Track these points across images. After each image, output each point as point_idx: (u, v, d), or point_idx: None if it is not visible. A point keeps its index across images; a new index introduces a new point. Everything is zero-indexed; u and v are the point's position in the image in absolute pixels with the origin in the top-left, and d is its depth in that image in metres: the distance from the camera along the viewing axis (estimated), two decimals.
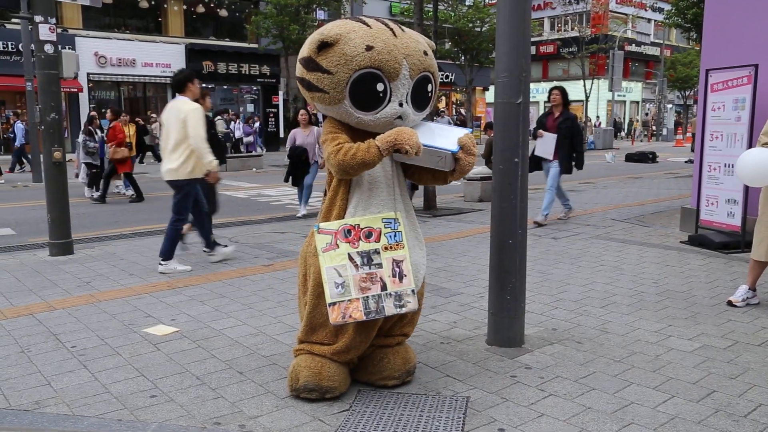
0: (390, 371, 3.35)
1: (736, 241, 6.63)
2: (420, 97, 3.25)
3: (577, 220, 8.89)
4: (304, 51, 3.15)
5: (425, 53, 3.22)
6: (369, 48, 3.02)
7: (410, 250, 3.22)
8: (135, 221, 9.59)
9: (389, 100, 3.13)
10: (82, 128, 13.34)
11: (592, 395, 3.29)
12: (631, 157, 22.30)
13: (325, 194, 3.36)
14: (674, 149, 30.39)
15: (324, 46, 3.05)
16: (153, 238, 7.93)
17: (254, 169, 19.21)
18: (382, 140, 3.03)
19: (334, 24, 3.16)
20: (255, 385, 3.46)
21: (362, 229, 3.12)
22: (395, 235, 3.15)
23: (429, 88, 3.29)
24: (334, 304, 3.06)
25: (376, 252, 3.12)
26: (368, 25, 3.11)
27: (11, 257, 6.84)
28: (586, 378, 3.50)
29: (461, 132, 3.26)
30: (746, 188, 6.50)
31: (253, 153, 22.18)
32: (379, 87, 3.09)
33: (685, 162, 20.65)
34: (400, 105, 3.16)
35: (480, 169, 11.46)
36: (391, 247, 3.14)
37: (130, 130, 12.89)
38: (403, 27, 3.27)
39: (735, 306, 4.74)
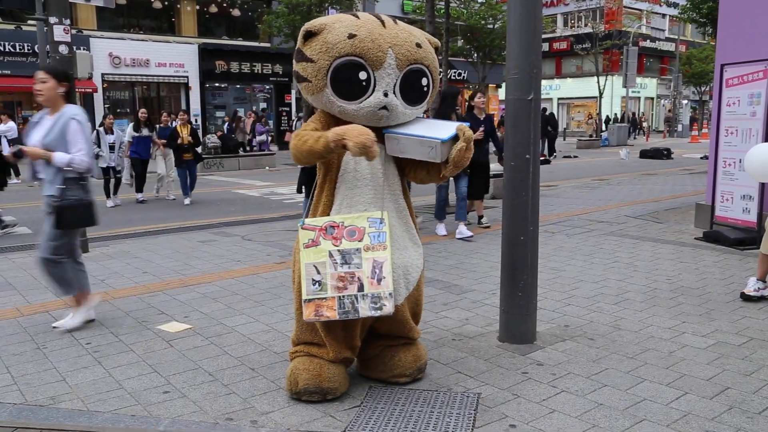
0: (401, 369, 3.35)
1: (752, 237, 6.56)
2: (413, 91, 3.16)
3: (591, 217, 8.84)
4: (298, 44, 3.19)
5: (418, 45, 3.13)
6: (351, 36, 2.99)
7: (401, 251, 3.16)
8: (150, 220, 9.66)
9: (373, 90, 3.06)
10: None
11: (605, 392, 3.27)
12: (645, 154, 22.11)
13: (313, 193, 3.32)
14: (690, 145, 30.09)
15: (309, 35, 3.07)
16: (167, 236, 8.00)
17: (267, 168, 19.29)
18: (333, 132, 2.95)
19: (326, 17, 3.17)
20: (267, 381, 3.48)
21: (346, 227, 3.07)
22: (379, 236, 3.07)
23: (424, 82, 3.19)
24: (309, 300, 3.03)
25: (357, 251, 3.05)
26: (357, 17, 3.11)
27: (28, 255, 6.91)
28: (599, 374, 3.49)
29: (456, 124, 3.16)
30: (762, 184, 6.43)
31: (266, 152, 22.26)
32: (362, 76, 3.03)
33: (701, 158, 20.45)
34: (385, 95, 3.08)
35: (492, 166, 11.40)
36: (373, 248, 3.06)
37: (184, 131, 11.33)
38: (400, 22, 3.21)
39: (749, 296, 4.70)
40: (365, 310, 3.04)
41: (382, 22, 3.11)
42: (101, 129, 11.30)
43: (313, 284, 3.04)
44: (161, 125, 12.37)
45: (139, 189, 11.84)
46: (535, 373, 3.52)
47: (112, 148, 11.22)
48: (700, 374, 3.47)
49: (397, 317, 3.20)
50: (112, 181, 11.45)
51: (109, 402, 3.25)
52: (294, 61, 3.20)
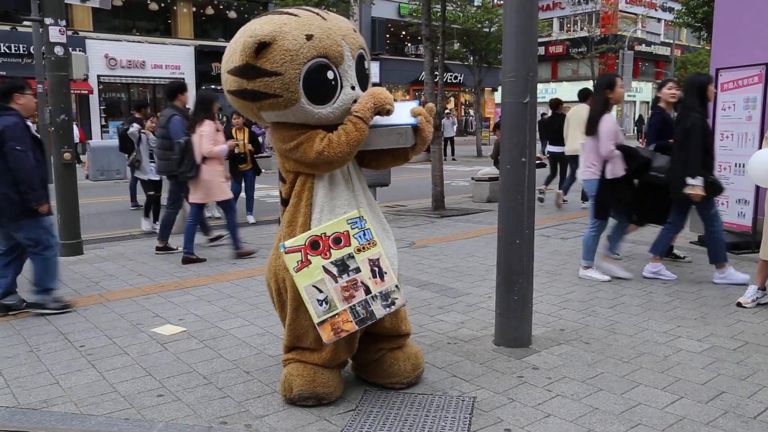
0: (399, 377, 3.33)
1: (747, 242, 6.57)
2: (362, 77, 3.13)
3: (586, 221, 8.81)
4: (235, 60, 2.90)
5: (355, 30, 3.12)
6: (309, 37, 2.87)
7: (381, 244, 3.11)
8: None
9: (341, 87, 3.00)
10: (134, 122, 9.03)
11: (600, 396, 3.27)
12: None
13: (282, 203, 3.21)
14: None
15: (261, 47, 2.83)
16: None
17: (263, 171, 19.20)
18: (362, 110, 2.91)
19: (259, 22, 2.93)
20: (261, 385, 3.46)
21: (329, 236, 2.98)
22: (365, 234, 3.03)
23: (366, 65, 3.18)
24: (323, 322, 2.95)
25: (351, 257, 2.99)
26: (296, 15, 2.96)
27: None
28: (594, 378, 3.48)
29: (410, 104, 3.15)
30: (757, 188, 6.45)
31: (263, 154, 22.20)
32: (330, 75, 2.95)
33: None
34: (353, 88, 3.04)
35: (488, 169, 11.44)
36: (363, 248, 3.02)
37: (242, 137, 8.96)
38: (326, 11, 3.14)
39: (744, 307, 4.70)
40: (380, 310, 3.02)
41: (319, 14, 3.02)
42: (139, 131, 8.83)
43: (320, 304, 2.95)
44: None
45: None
46: (531, 377, 3.51)
47: (151, 155, 8.64)
48: (695, 378, 3.47)
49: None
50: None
51: (103, 405, 3.24)
52: (241, 79, 2.91)
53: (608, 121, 5.34)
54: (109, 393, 3.38)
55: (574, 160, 9.44)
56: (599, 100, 5.50)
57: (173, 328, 4.42)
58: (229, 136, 8.08)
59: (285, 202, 3.18)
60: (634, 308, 4.75)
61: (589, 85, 34.75)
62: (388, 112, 2.95)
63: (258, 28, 2.88)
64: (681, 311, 4.67)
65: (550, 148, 11.09)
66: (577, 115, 9.33)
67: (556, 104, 11.22)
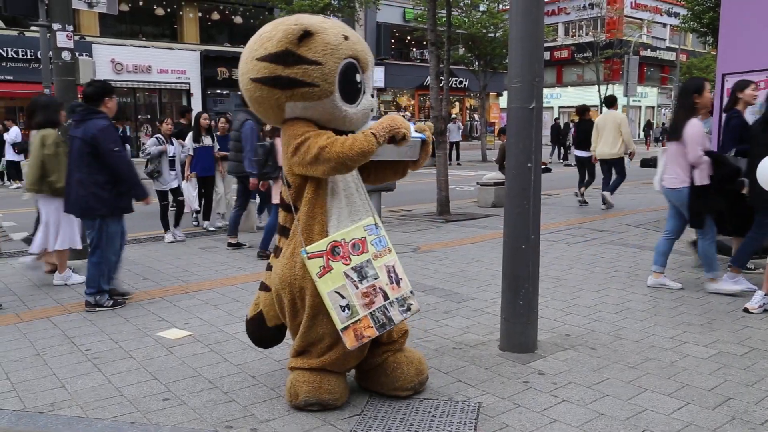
0: (403, 381, 3.30)
1: None
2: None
3: (592, 225, 8.83)
4: (270, 47, 2.89)
5: None
6: (345, 37, 2.98)
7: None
8: (150, 226, 9.64)
9: (364, 92, 3.10)
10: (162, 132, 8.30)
11: (606, 401, 3.26)
12: (646, 163, 22.05)
13: (288, 210, 3.17)
14: None
15: (305, 36, 2.87)
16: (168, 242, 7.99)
17: None
18: (378, 129, 2.95)
19: (297, 16, 2.98)
20: (267, 389, 3.46)
21: (348, 242, 3.01)
22: (380, 241, 3.09)
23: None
24: (346, 328, 2.96)
25: (369, 263, 3.04)
26: (327, 17, 3.11)
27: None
28: (600, 384, 3.47)
29: (407, 120, 3.24)
30: None
31: None
32: (358, 78, 3.05)
33: None
34: (372, 96, 3.16)
35: (493, 174, 11.45)
36: (380, 255, 3.07)
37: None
38: None
39: (751, 313, 4.68)
40: (397, 315, 3.07)
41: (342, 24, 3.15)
42: (160, 137, 8.16)
43: (343, 310, 2.96)
44: (218, 133, 9.13)
45: (206, 216, 9.22)
46: (536, 383, 3.51)
47: (172, 163, 8.15)
48: (702, 384, 3.46)
49: None
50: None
51: (109, 409, 3.24)
52: (276, 65, 2.89)
53: (695, 126, 4.98)
54: (115, 397, 3.39)
55: (605, 163, 10.43)
56: (686, 104, 5.13)
57: (179, 332, 4.43)
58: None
59: (288, 207, 3.16)
60: (639, 313, 4.74)
61: (594, 90, 34.85)
62: (404, 138, 3.00)
63: (300, 18, 2.96)
64: (687, 317, 4.65)
65: (576, 152, 11.48)
66: (606, 122, 10.13)
67: (583, 110, 11.51)
